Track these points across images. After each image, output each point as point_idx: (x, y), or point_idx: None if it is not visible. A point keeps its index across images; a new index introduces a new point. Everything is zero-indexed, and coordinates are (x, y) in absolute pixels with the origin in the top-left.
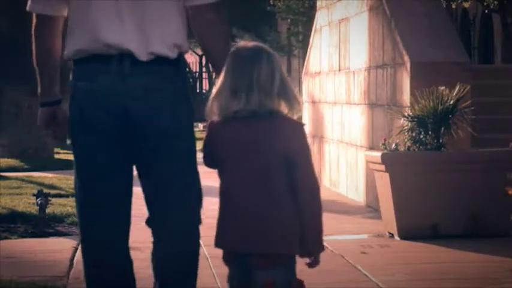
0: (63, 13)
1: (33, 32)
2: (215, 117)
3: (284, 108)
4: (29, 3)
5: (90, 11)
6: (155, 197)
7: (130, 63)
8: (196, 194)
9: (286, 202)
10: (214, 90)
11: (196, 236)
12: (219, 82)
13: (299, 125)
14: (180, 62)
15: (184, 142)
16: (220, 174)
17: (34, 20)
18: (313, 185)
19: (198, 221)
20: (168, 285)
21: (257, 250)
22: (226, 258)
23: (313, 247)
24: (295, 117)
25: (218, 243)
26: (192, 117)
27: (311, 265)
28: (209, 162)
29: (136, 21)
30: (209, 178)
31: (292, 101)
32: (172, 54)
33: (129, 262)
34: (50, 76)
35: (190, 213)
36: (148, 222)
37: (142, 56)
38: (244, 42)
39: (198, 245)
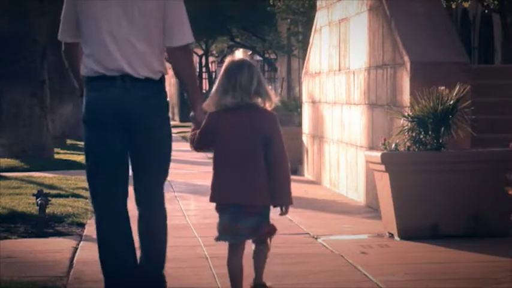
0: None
1: (63, 53)
2: (212, 109)
3: (261, 102)
4: (59, 33)
5: (101, 46)
6: (141, 171)
7: (130, 80)
8: (167, 164)
9: (263, 169)
10: (212, 91)
11: (162, 192)
12: (215, 85)
13: (272, 114)
14: (162, 80)
15: (164, 131)
16: (216, 149)
17: (63, 45)
18: (285, 157)
19: (164, 183)
20: (145, 232)
21: (246, 202)
22: (219, 209)
23: (284, 200)
24: (270, 109)
25: (214, 198)
26: (168, 115)
27: (282, 214)
28: (200, 146)
29: (133, 57)
30: (211, 178)
31: (266, 97)
32: (156, 76)
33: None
34: (79, 79)
35: (162, 176)
36: (136, 193)
37: (137, 76)
38: (233, 57)
39: (163, 196)
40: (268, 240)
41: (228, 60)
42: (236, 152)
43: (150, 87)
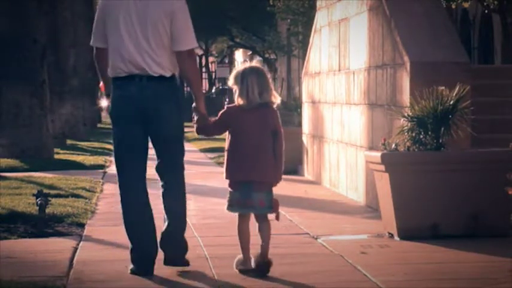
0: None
1: (94, 57)
2: (236, 104)
3: (271, 99)
4: (92, 40)
5: (122, 48)
6: (161, 151)
7: (146, 79)
8: (182, 148)
9: (271, 153)
10: (240, 92)
11: (182, 168)
12: (238, 89)
13: (276, 110)
14: (174, 78)
15: (175, 122)
16: (233, 136)
17: (94, 50)
18: (282, 144)
19: (182, 159)
20: (169, 204)
21: (257, 179)
22: (231, 186)
23: (278, 177)
24: (275, 105)
25: (228, 176)
26: (180, 109)
27: (274, 185)
28: (213, 132)
29: (148, 56)
30: (211, 178)
31: (274, 95)
32: (168, 74)
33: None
34: (107, 80)
35: (179, 156)
36: (157, 168)
37: (152, 73)
38: (245, 64)
39: (183, 170)
40: (269, 215)
41: (244, 67)
42: (252, 140)
43: (162, 84)
